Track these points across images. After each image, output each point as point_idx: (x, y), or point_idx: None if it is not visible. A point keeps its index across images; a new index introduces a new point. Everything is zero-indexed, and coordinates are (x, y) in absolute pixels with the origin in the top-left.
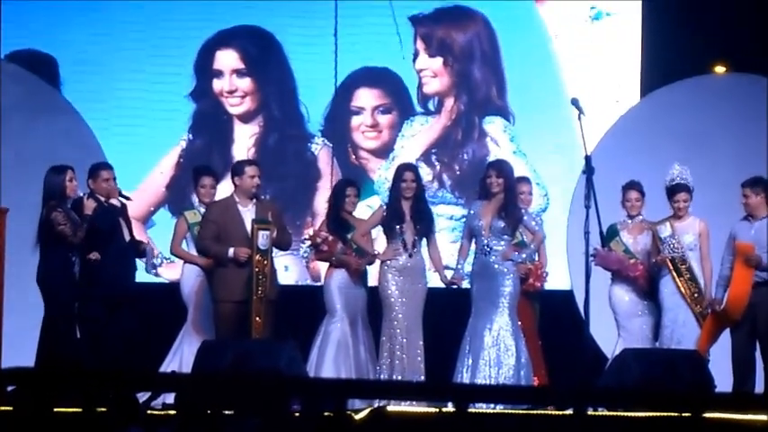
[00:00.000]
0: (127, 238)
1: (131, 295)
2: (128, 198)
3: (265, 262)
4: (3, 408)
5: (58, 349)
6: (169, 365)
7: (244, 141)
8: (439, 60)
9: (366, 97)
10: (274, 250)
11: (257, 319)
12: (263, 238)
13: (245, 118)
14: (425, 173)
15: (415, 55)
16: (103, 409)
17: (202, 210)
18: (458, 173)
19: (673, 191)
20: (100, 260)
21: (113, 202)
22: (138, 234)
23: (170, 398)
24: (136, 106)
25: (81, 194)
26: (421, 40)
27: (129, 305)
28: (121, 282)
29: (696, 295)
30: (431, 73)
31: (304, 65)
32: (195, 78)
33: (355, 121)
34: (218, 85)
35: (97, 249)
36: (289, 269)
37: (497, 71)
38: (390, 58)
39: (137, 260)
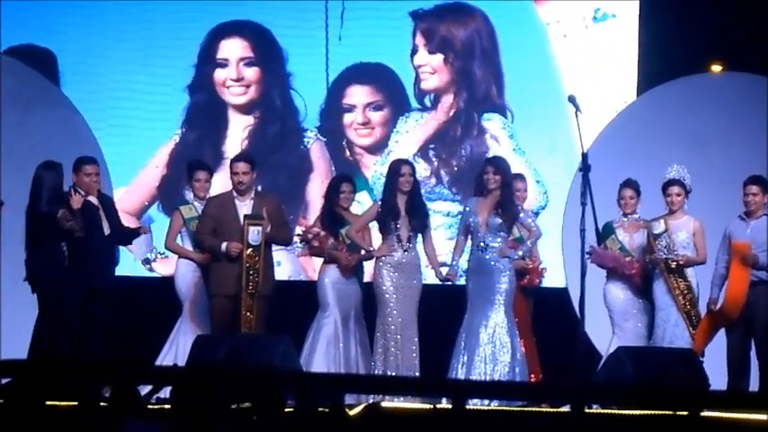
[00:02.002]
0: (106, 231)
1: (109, 289)
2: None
3: (256, 257)
4: None
5: (53, 342)
6: (164, 360)
7: (237, 135)
8: (439, 57)
9: (357, 94)
10: (274, 246)
11: (247, 314)
12: (253, 234)
13: (245, 108)
14: (423, 168)
15: (414, 50)
16: (103, 403)
17: (197, 204)
18: (455, 169)
19: (666, 185)
20: (80, 253)
21: (90, 199)
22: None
23: (165, 392)
24: (132, 99)
25: (66, 189)
26: (421, 35)
27: (105, 299)
28: (99, 275)
29: (687, 294)
30: (430, 69)
31: (300, 59)
32: (195, 69)
33: (347, 118)
34: (221, 74)
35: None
36: (281, 264)
37: (496, 68)
38: (390, 54)
39: (129, 246)
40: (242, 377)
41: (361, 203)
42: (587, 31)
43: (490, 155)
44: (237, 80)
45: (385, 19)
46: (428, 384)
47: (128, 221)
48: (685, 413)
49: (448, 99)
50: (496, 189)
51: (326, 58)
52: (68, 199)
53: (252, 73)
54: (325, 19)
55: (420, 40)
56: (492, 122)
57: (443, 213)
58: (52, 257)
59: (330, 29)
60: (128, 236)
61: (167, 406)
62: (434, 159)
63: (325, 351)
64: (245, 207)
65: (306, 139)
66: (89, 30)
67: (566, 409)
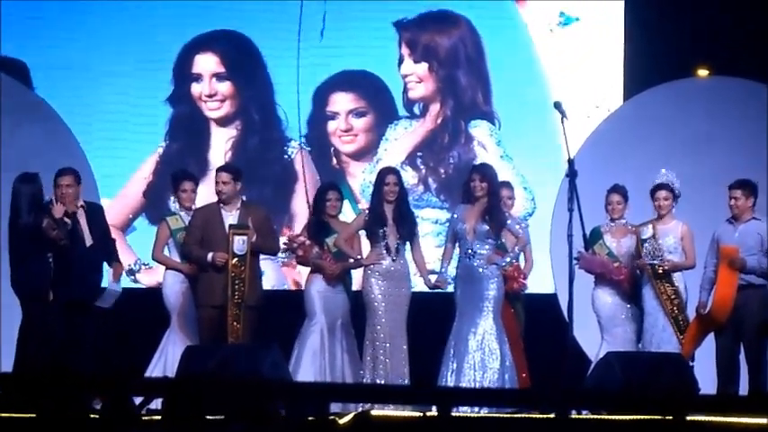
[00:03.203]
0: (88, 242)
1: (93, 302)
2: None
3: (242, 267)
4: None
5: (38, 354)
6: (154, 371)
7: (221, 146)
8: (424, 66)
9: (340, 101)
10: (261, 255)
11: (234, 324)
12: (239, 243)
13: (223, 122)
14: (411, 176)
15: (400, 60)
16: (96, 415)
17: (183, 215)
18: (443, 177)
19: (654, 190)
20: (64, 264)
21: (69, 209)
22: (118, 242)
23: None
24: (118, 111)
25: (47, 199)
26: (405, 45)
27: (89, 310)
28: (82, 286)
29: (674, 299)
30: (416, 78)
31: (281, 69)
32: (173, 83)
33: (331, 125)
34: (196, 88)
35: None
36: (265, 274)
37: (482, 75)
38: (378, 64)
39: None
40: (231, 387)
41: (343, 213)
42: (572, 36)
43: (478, 162)
44: (211, 95)
45: (373, 29)
46: (417, 392)
47: (113, 233)
48: (674, 417)
49: (435, 107)
50: (483, 196)
51: (297, 67)
52: (50, 209)
53: (225, 87)
54: (298, 29)
55: (405, 50)
56: (479, 129)
57: (432, 221)
58: (38, 268)
59: (319, 38)
60: (108, 253)
61: (158, 417)
62: (422, 167)
63: (311, 360)
64: (231, 217)
65: (289, 150)
66: (73, 39)
67: (554, 415)
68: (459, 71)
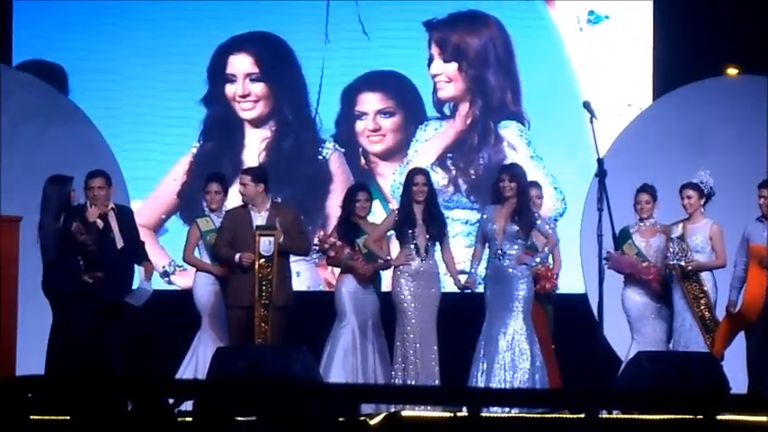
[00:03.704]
0: (119, 245)
1: (124, 303)
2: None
3: (269, 268)
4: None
5: (69, 357)
6: (185, 372)
7: (255, 146)
8: (453, 65)
9: (368, 101)
10: (292, 256)
11: (262, 324)
12: (265, 244)
13: (257, 123)
14: (441, 177)
15: (430, 60)
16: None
17: (214, 217)
18: (473, 177)
19: (681, 189)
20: (94, 267)
21: (102, 209)
22: (150, 243)
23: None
24: (148, 113)
25: (81, 202)
26: (435, 45)
27: (120, 312)
28: (112, 289)
29: (701, 299)
30: (445, 78)
31: (315, 70)
32: (207, 83)
33: (359, 125)
34: (230, 89)
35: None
36: (301, 275)
37: (512, 75)
38: (408, 64)
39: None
40: (262, 389)
41: (374, 213)
42: (602, 36)
43: (507, 162)
44: (244, 96)
45: (403, 29)
46: (447, 393)
47: (144, 234)
48: (705, 417)
49: (464, 107)
50: (513, 197)
51: (322, 68)
52: (84, 212)
53: (259, 88)
54: (325, 30)
55: (435, 50)
56: (509, 130)
57: (462, 221)
58: (68, 271)
59: (350, 39)
60: (138, 255)
61: (189, 419)
62: (452, 168)
63: (342, 361)
64: (260, 218)
65: (324, 151)
66: (104, 44)
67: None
68: (488, 71)
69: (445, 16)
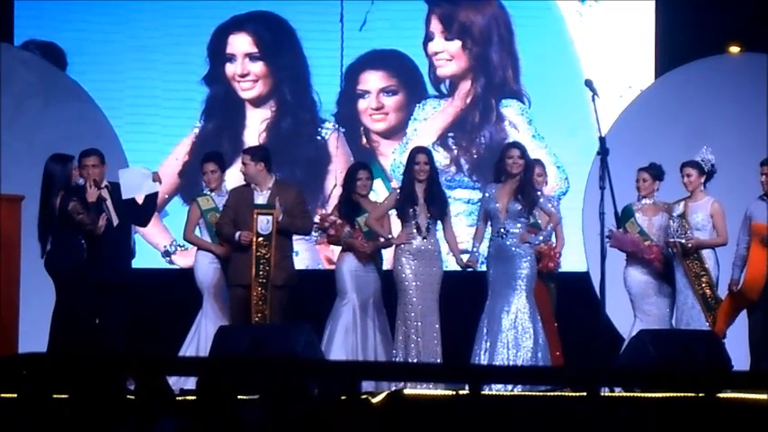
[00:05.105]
0: (115, 222)
1: (123, 282)
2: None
3: (267, 246)
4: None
5: (71, 336)
6: (187, 351)
7: (255, 126)
8: (457, 43)
9: (371, 80)
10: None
11: (259, 303)
12: (263, 223)
13: (257, 102)
14: (443, 156)
15: (430, 37)
16: (131, 398)
17: (214, 195)
18: (475, 156)
19: (681, 168)
20: (94, 247)
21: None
22: (152, 223)
23: (188, 383)
24: (150, 94)
25: (81, 182)
26: (438, 21)
27: (120, 292)
28: (111, 269)
29: (703, 276)
30: (447, 56)
31: (316, 50)
32: (208, 63)
33: (362, 104)
34: (230, 69)
35: (84, 237)
36: (299, 254)
37: (512, 54)
38: (407, 41)
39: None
40: (263, 366)
41: (375, 191)
42: (603, 14)
43: (510, 141)
44: (243, 75)
45: (400, 10)
46: (449, 370)
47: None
48: (707, 394)
49: (465, 86)
50: (520, 173)
51: (341, 48)
52: (84, 192)
53: (258, 68)
54: (341, 10)
55: (437, 27)
56: (510, 109)
57: (464, 201)
58: (71, 250)
59: (345, 20)
60: (144, 210)
61: (192, 397)
62: (454, 147)
63: (343, 339)
64: (261, 197)
65: (323, 131)
66: (105, 24)
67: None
68: (491, 49)
69: None
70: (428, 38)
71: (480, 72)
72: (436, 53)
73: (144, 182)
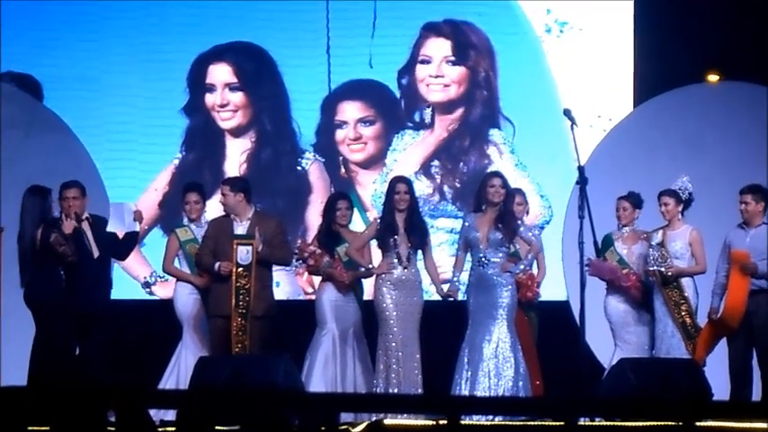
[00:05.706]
0: (95, 254)
1: (102, 314)
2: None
3: (247, 277)
4: None
5: (54, 365)
6: (167, 382)
7: (235, 157)
8: (458, 69)
9: (348, 110)
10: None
11: (239, 334)
12: (242, 253)
13: (237, 132)
14: (426, 186)
15: (412, 66)
16: (112, 429)
17: (193, 227)
18: (458, 186)
19: (658, 197)
20: (73, 278)
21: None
22: (132, 254)
23: (168, 415)
24: (129, 122)
25: (56, 215)
26: (437, 46)
27: (100, 323)
28: (90, 300)
29: (682, 305)
30: (446, 80)
31: (297, 80)
32: (188, 93)
33: (339, 134)
34: (210, 99)
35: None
36: (280, 285)
37: (494, 84)
38: (386, 71)
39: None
40: (243, 398)
41: (353, 222)
42: (581, 43)
43: (492, 170)
44: (223, 105)
45: (378, 36)
46: (429, 401)
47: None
48: (688, 423)
49: (456, 112)
50: (501, 203)
51: (329, 80)
52: (60, 224)
53: (238, 98)
54: (327, 42)
55: (435, 51)
56: (493, 137)
57: (447, 230)
58: (50, 282)
59: (331, 49)
60: (124, 244)
61: (171, 429)
62: (437, 176)
63: (323, 369)
64: (240, 228)
65: (303, 161)
66: (84, 51)
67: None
68: (478, 78)
69: (440, 21)
70: (418, 62)
71: (471, 99)
72: (422, 80)
73: (128, 218)
